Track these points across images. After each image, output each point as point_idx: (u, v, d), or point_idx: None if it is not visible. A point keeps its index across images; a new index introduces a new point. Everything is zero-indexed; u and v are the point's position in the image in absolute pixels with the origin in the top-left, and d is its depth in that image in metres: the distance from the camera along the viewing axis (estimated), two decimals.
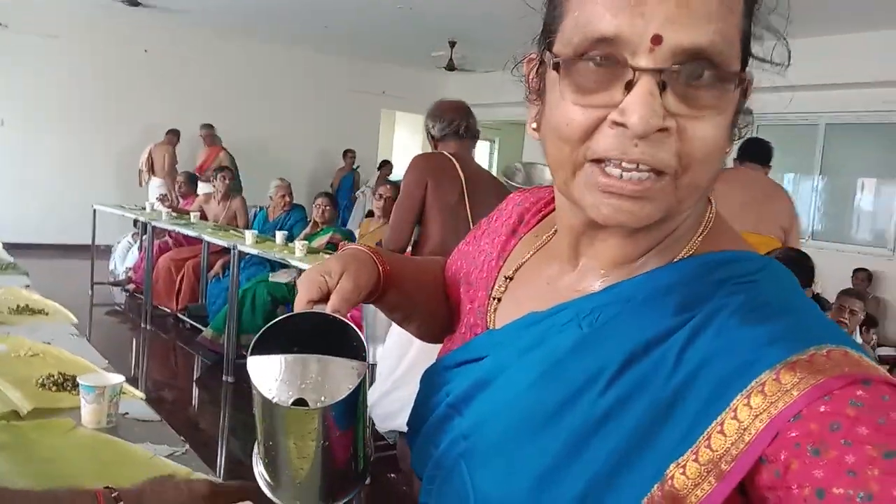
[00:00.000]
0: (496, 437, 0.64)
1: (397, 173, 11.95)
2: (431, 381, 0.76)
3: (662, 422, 0.55)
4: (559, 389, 0.61)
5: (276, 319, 0.64)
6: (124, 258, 7.39)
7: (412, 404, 0.78)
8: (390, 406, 3.02)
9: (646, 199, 0.55)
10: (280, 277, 5.37)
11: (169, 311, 6.24)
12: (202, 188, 7.71)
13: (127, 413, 1.58)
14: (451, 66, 9.65)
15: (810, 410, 0.49)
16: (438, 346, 0.87)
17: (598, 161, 0.56)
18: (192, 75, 10.10)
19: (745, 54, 0.58)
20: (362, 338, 0.63)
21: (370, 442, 0.70)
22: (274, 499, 0.68)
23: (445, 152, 3.02)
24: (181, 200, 7.40)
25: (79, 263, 7.38)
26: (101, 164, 9.53)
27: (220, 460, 3.64)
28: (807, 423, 0.48)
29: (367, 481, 0.70)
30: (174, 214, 6.56)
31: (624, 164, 0.54)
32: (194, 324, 5.81)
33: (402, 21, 8.70)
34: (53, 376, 1.67)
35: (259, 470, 0.68)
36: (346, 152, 11.01)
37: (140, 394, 1.72)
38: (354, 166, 11.10)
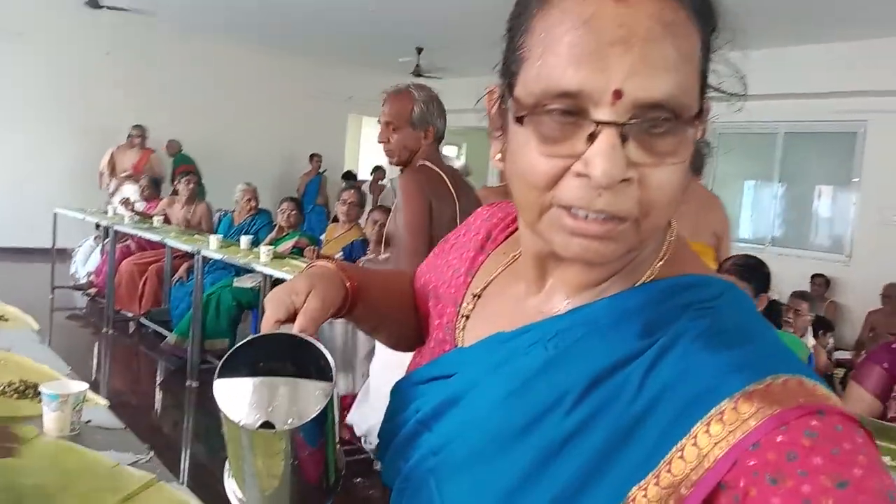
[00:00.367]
0: (464, 453, 0.65)
1: (361, 176, 11.94)
2: (401, 395, 0.76)
3: (625, 444, 0.56)
4: (526, 409, 0.62)
5: (243, 341, 0.65)
6: (86, 261, 7.25)
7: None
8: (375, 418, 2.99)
9: (610, 240, 0.57)
10: (244, 282, 5.33)
11: (131, 315, 6.15)
12: (128, 191, 7.66)
13: (90, 420, 1.57)
14: (417, 73, 9.70)
15: (768, 440, 0.51)
16: None
17: (564, 206, 0.57)
18: (155, 78, 9.96)
19: (703, 88, 0.59)
20: (329, 358, 0.63)
21: (341, 455, 0.70)
22: None
23: (429, 163, 2.58)
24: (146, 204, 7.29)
25: (39, 267, 7.24)
26: (61, 166, 9.33)
27: (184, 465, 3.61)
28: (765, 452, 0.50)
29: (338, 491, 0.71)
30: (136, 218, 6.47)
31: (589, 215, 0.56)
32: (157, 328, 5.75)
33: (369, 26, 8.70)
34: (15, 384, 1.65)
35: (230, 486, 0.69)
36: (312, 156, 10.95)
37: (103, 401, 1.71)
38: (321, 171, 11.03)
